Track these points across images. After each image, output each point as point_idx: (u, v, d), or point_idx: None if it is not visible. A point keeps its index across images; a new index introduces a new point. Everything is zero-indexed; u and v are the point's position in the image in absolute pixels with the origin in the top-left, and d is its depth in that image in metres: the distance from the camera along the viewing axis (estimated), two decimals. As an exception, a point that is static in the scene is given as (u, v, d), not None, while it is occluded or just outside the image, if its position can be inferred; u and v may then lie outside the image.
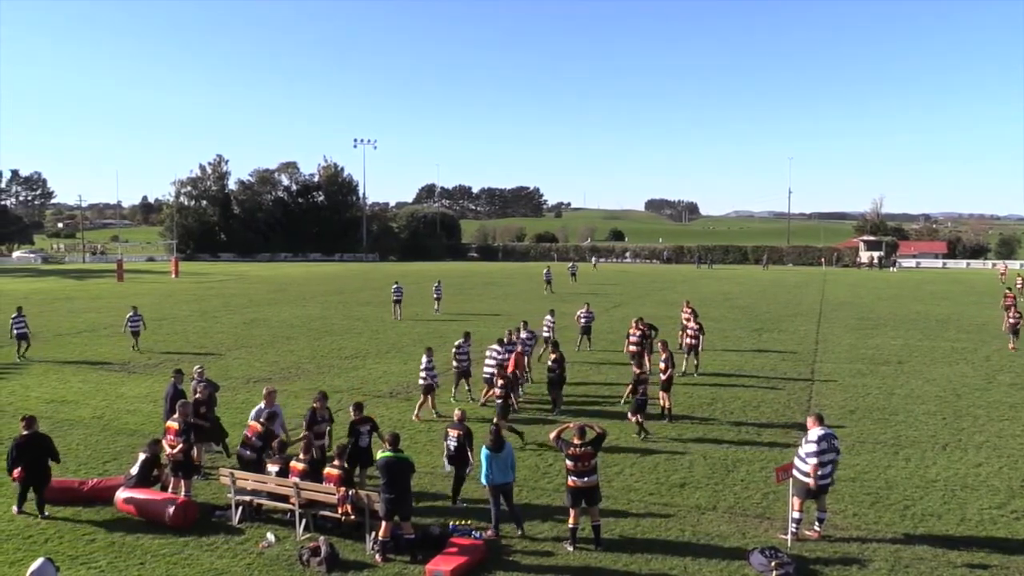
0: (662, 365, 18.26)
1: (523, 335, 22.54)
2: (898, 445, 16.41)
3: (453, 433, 13.00)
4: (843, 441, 16.37)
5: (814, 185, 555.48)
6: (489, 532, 11.66)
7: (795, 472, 11.60)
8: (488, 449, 11.73)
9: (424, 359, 18.63)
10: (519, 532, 11.67)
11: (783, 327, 34.83)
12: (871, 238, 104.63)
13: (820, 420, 11.93)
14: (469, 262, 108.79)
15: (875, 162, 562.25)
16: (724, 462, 15.20)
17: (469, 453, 12.81)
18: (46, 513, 12.56)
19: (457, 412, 13.61)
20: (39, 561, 8.15)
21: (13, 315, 27.39)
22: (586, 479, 11.25)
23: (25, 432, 12.61)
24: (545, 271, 56.78)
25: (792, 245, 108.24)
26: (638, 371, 17.71)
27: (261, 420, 13.74)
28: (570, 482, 11.30)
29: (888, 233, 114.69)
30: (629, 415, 17.27)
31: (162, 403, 16.44)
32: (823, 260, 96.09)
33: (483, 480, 11.86)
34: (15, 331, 26.95)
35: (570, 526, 11.40)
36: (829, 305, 45.09)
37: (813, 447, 11.49)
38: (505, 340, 20.76)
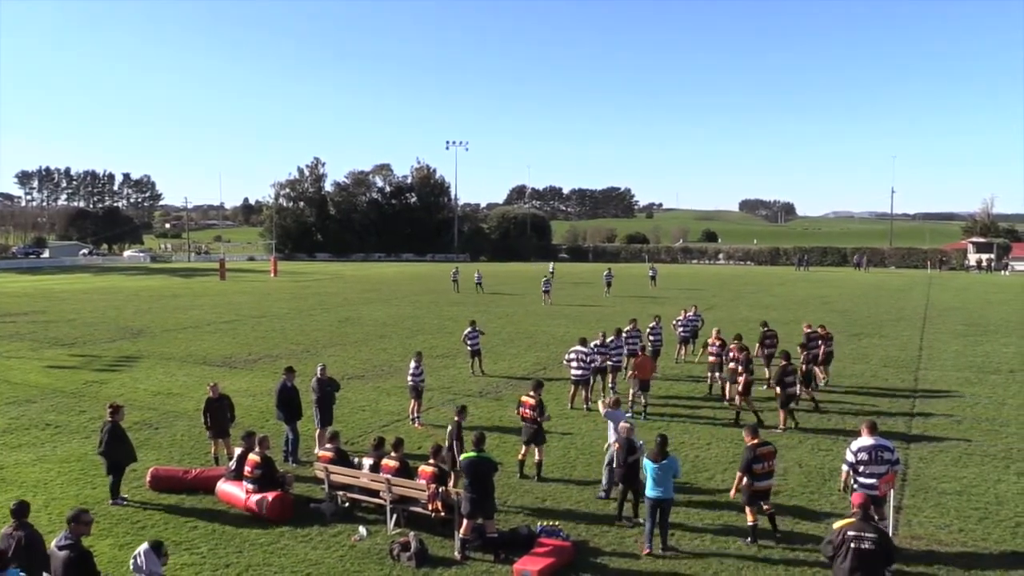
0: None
1: (634, 332, 22.91)
2: (1009, 459, 15.53)
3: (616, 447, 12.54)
4: (948, 453, 15.74)
5: (919, 184, 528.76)
6: (644, 549, 11.15)
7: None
8: (650, 460, 11.22)
9: (412, 364, 18.45)
10: (661, 548, 11.08)
11: (884, 332, 33.48)
12: (981, 240, 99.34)
13: (873, 428, 11.39)
14: (559, 263, 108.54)
15: (986, 159, 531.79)
16: (820, 471, 14.72)
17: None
18: (122, 497, 13.26)
19: (624, 426, 12.67)
20: (144, 546, 8.55)
21: None
22: (766, 482, 11.51)
23: (110, 419, 13.37)
24: (605, 273, 54.52)
25: (894, 247, 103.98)
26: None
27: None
28: (755, 486, 11.37)
29: (1000, 234, 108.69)
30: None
31: (270, 397, 16.82)
32: (929, 263, 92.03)
33: (648, 493, 11.25)
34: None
35: (749, 523, 11.47)
36: (934, 310, 43.09)
37: (854, 457, 11.06)
38: (599, 342, 20.58)
